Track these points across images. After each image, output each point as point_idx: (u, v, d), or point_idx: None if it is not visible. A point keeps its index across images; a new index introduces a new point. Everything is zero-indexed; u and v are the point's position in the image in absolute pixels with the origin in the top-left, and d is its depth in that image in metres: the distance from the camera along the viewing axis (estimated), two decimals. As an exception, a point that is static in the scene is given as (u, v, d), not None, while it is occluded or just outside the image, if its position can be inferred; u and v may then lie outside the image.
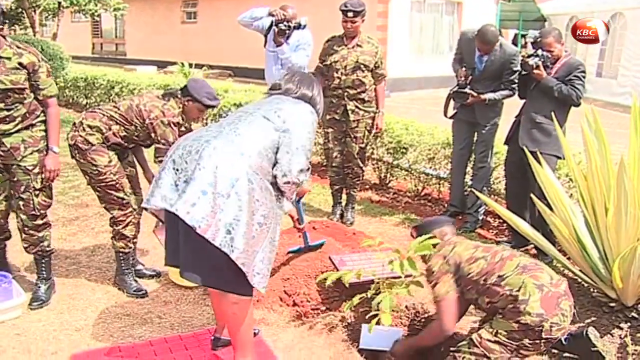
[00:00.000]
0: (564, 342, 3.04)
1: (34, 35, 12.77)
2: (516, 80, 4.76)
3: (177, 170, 2.53)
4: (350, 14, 4.75)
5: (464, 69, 4.92)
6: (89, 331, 3.23)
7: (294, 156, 2.65)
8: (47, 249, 3.57)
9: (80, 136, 3.54)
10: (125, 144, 3.63)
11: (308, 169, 2.72)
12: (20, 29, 15.21)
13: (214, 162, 2.46)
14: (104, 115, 3.57)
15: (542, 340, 2.66)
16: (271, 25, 5.06)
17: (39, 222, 3.49)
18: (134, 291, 3.65)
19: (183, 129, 3.61)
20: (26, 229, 3.47)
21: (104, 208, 3.71)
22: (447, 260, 2.92)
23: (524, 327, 2.64)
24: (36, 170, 3.42)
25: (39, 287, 3.56)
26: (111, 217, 3.67)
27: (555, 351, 3.11)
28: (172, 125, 3.50)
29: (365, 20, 4.89)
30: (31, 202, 3.42)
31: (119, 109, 3.58)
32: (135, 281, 3.72)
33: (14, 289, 3.42)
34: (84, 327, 3.26)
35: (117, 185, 3.57)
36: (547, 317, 2.62)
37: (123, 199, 3.61)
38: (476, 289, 2.81)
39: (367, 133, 5.04)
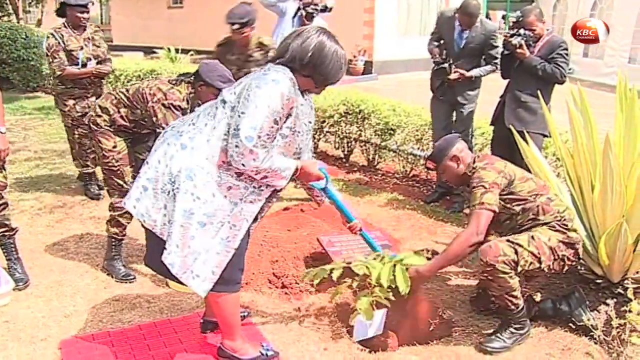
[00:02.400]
0: (558, 306, 3.20)
1: (18, 22, 12.61)
2: (497, 56, 4.80)
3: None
4: (236, 26, 4.44)
5: (437, 48, 4.93)
6: (78, 317, 3.22)
7: (244, 117, 2.27)
8: (12, 226, 3.59)
9: (92, 116, 3.63)
10: (135, 129, 3.61)
11: (265, 137, 2.31)
12: (3, 15, 14.99)
13: (156, 157, 2.43)
14: (115, 97, 3.60)
15: (576, 258, 3.06)
16: (298, 9, 5.02)
17: None
18: (123, 276, 3.64)
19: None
20: None
21: (107, 192, 3.73)
22: (502, 174, 3.00)
23: (568, 240, 2.99)
24: None
25: (15, 268, 3.58)
26: (111, 202, 3.68)
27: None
28: (173, 108, 3.40)
29: (254, 28, 4.54)
30: None
31: (128, 92, 3.57)
32: (124, 266, 3.72)
33: (1, 276, 3.39)
34: (72, 313, 3.25)
35: (118, 172, 3.60)
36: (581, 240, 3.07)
37: (122, 186, 3.61)
38: (523, 205, 3.03)
39: None
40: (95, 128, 3.60)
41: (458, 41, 4.90)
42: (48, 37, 4.94)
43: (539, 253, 2.91)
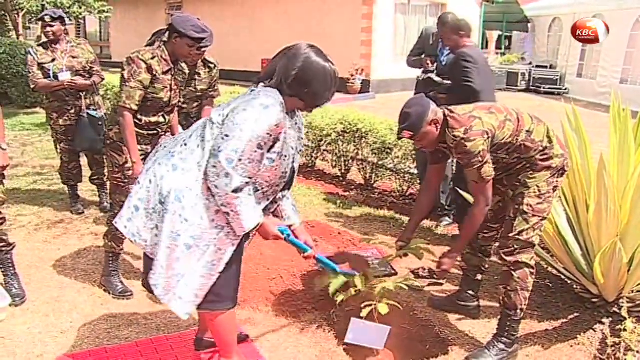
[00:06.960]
0: None
1: (18, 39, 12.67)
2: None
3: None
4: (204, 49, 3.79)
5: (428, 57, 5.05)
6: (75, 333, 3.22)
7: (227, 139, 2.23)
8: (10, 242, 3.60)
9: (108, 131, 3.67)
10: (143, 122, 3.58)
11: (246, 161, 2.24)
12: (4, 31, 15.08)
13: (148, 177, 2.43)
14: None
15: (564, 175, 3.07)
16: None
17: None
18: (120, 293, 3.64)
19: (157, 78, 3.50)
20: None
21: (110, 204, 3.70)
22: (485, 137, 2.87)
23: (554, 170, 2.99)
24: None
25: (12, 284, 3.58)
26: (110, 215, 3.68)
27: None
28: (132, 60, 3.47)
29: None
30: None
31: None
32: (121, 282, 3.71)
33: (-2, 292, 3.40)
34: (69, 330, 3.25)
35: (124, 189, 3.56)
36: (565, 155, 3.04)
37: (124, 203, 3.58)
38: (507, 149, 2.99)
39: None
40: (108, 142, 3.60)
41: (440, 58, 5.01)
42: (26, 55, 5.12)
43: (542, 217, 2.99)
